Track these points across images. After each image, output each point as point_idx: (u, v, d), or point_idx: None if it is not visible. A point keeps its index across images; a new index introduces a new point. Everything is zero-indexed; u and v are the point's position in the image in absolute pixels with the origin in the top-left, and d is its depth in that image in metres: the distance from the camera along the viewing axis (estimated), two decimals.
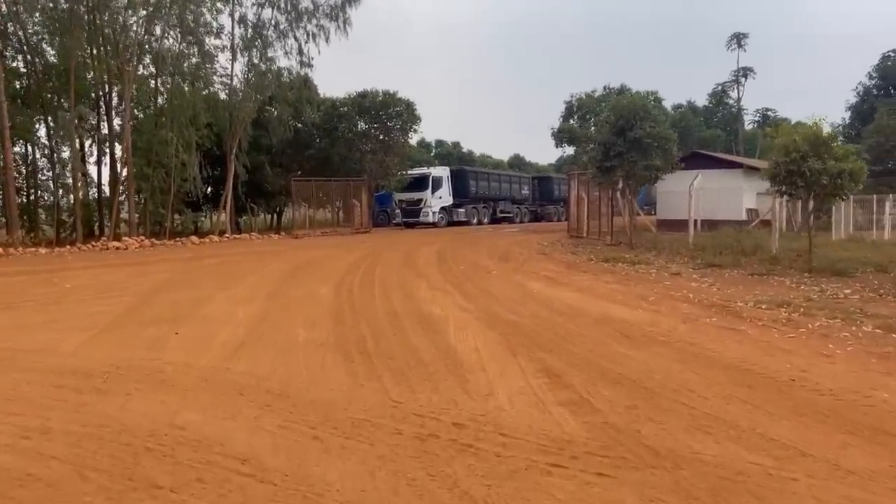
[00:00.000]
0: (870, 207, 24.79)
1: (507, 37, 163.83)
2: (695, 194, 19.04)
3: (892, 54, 38.72)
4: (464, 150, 65.41)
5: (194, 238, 25.55)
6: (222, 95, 30.66)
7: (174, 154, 25.72)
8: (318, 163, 34.55)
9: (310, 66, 30.07)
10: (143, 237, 24.44)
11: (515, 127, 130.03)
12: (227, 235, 28.03)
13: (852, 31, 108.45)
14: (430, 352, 6.76)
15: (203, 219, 36.17)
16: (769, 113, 58.65)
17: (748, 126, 58.40)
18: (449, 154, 61.64)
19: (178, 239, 25.66)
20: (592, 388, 5.36)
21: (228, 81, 30.05)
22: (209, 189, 35.07)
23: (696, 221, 19.82)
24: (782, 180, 12.38)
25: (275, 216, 38.72)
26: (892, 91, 35.82)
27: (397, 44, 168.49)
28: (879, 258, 13.85)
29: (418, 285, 11.99)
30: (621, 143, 19.07)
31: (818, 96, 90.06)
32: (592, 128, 32.37)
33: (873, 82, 36.89)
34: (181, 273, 14.49)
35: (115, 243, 22.71)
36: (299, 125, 35.08)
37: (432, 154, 61.60)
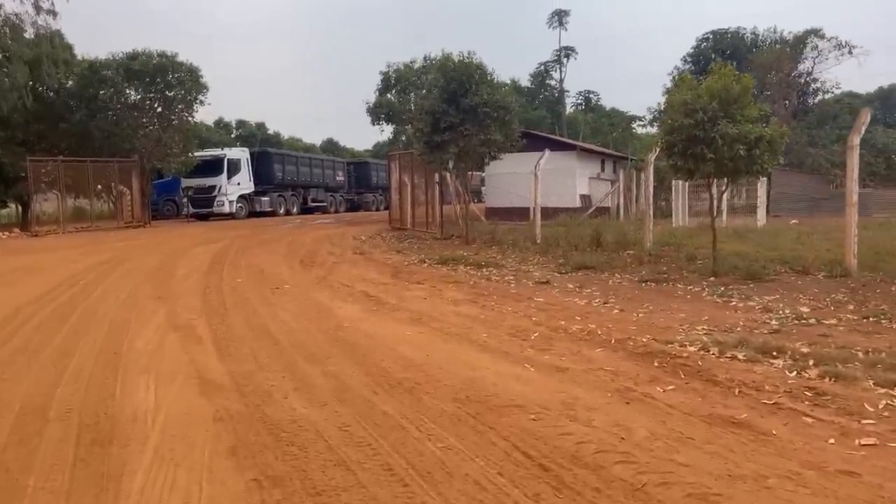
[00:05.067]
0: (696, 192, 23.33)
1: (321, 17, 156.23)
2: (540, 177, 15.72)
3: (711, 35, 39.06)
4: (270, 131, 58.74)
5: None
6: None
7: None
8: (76, 140, 27.26)
9: (51, 13, 23.08)
10: None
11: (330, 111, 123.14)
12: None
13: (669, 23, 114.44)
14: None
15: None
16: (591, 96, 58.63)
17: (569, 109, 57.97)
18: (252, 136, 54.61)
19: None
20: None
21: None
22: None
23: (533, 210, 16.53)
24: (681, 151, 9.05)
25: (22, 208, 30.58)
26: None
27: (199, 22, 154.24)
28: (769, 253, 11.24)
29: (147, 319, 7.13)
30: (454, 112, 15.17)
31: (636, 81, 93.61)
32: (412, 105, 28.45)
33: (688, 67, 36.96)
34: None
35: None
36: (51, 93, 27.56)
37: (233, 136, 54.54)
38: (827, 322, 6.27)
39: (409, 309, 7.60)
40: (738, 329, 6.10)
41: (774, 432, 3.63)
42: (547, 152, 16.24)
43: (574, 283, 9.31)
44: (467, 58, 15.70)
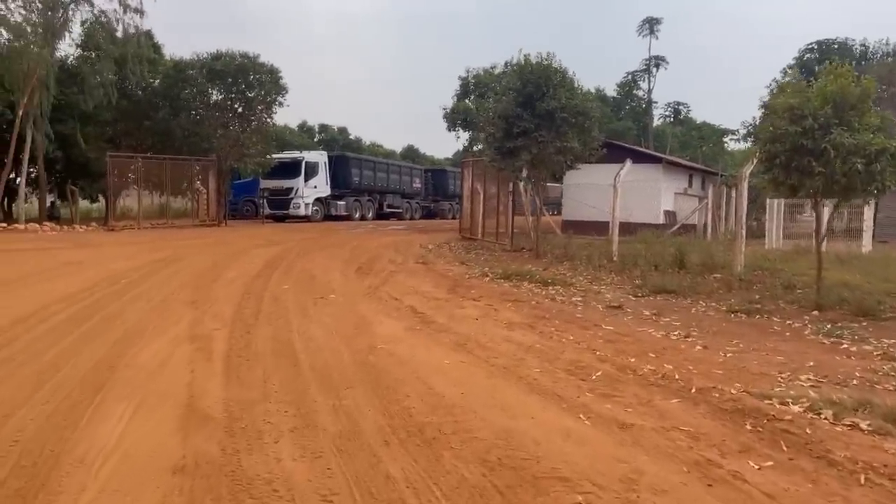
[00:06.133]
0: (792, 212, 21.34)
1: (408, 24, 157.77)
2: (620, 189, 14.49)
3: (816, 45, 36.40)
4: (351, 136, 59.03)
5: None
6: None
7: None
8: (159, 138, 27.88)
9: (138, 12, 23.54)
10: None
11: (412, 117, 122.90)
12: None
13: (768, 35, 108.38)
14: None
15: (25, 204, 28.69)
16: (681, 108, 56.03)
17: (657, 121, 55.46)
18: (333, 140, 55.12)
19: None
20: None
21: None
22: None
23: (611, 224, 15.24)
24: (784, 164, 7.77)
25: (106, 202, 31.60)
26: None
27: (293, 31, 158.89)
28: (882, 284, 9.65)
29: (167, 328, 6.49)
30: (528, 116, 14.18)
31: (730, 95, 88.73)
32: (490, 109, 27.53)
33: (788, 80, 34.35)
34: None
35: None
36: (139, 91, 28.31)
37: (315, 140, 55.10)
38: None
39: (456, 331, 6.68)
40: (855, 382, 4.89)
41: None
42: (628, 163, 14.99)
43: (651, 309, 8.15)
44: (545, 60, 14.68)
